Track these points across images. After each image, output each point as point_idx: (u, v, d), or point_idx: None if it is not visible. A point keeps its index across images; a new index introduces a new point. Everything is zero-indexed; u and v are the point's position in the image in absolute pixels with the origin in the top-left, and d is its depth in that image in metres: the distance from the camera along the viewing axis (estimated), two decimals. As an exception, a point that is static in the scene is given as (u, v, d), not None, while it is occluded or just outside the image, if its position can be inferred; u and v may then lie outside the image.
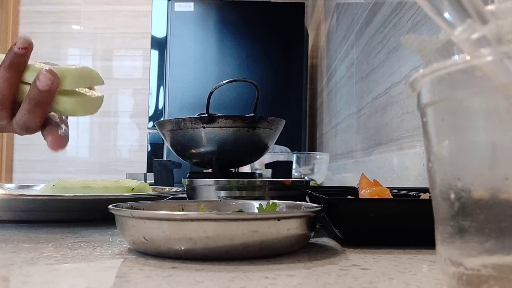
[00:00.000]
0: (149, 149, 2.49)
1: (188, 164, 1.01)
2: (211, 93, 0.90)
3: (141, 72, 3.16)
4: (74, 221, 0.61)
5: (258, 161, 1.07)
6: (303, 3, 2.45)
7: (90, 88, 0.59)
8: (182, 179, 0.68)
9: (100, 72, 0.61)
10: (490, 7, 0.22)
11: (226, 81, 0.92)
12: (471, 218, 0.22)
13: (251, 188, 0.59)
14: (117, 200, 0.53)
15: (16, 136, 3.25)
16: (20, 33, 3.25)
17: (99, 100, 0.58)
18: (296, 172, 1.59)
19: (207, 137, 0.90)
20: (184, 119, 0.90)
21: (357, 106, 1.50)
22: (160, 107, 2.38)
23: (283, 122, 0.97)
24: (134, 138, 3.25)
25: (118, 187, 0.71)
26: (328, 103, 2.15)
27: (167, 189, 0.80)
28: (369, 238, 0.43)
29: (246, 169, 1.40)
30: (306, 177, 1.59)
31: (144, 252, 0.38)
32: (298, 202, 0.47)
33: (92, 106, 0.56)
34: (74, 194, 0.64)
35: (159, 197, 0.68)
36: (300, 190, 0.61)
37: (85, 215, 0.62)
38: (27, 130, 0.56)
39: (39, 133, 0.58)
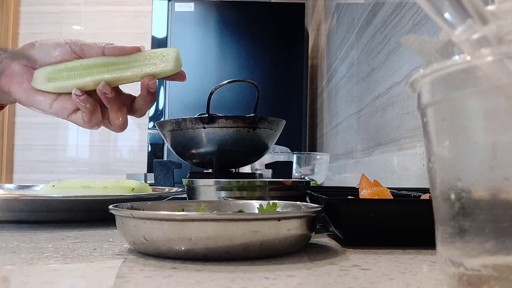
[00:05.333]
0: (149, 149, 2.49)
1: (188, 164, 1.01)
2: (211, 93, 0.90)
3: (142, 72, 3.15)
4: (74, 221, 0.61)
5: (258, 161, 1.07)
6: (303, 4, 2.45)
7: None
8: (183, 179, 0.68)
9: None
10: (490, 8, 0.22)
11: (226, 81, 0.92)
12: (472, 219, 0.22)
13: (251, 189, 0.59)
14: (117, 201, 0.53)
15: (17, 136, 3.25)
16: (20, 34, 3.26)
17: (175, 53, 0.62)
18: (296, 173, 1.59)
19: (208, 137, 0.90)
20: (184, 120, 0.90)
21: (358, 107, 1.50)
22: (160, 107, 2.38)
23: (284, 122, 0.97)
24: (134, 138, 3.25)
25: (118, 187, 0.71)
26: (328, 104, 2.15)
27: (167, 189, 0.80)
28: (369, 238, 0.43)
29: (246, 169, 1.40)
30: (306, 178, 1.59)
31: (144, 252, 0.38)
32: (298, 203, 0.47)
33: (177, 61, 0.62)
34: (74, 194, 0.64)
35: (159, 198, 0.68)
36: (300, 190, 0.61)
37: (86, 215, 0.62)
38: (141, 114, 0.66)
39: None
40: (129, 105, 0.64)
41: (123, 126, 0.64)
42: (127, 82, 0.62)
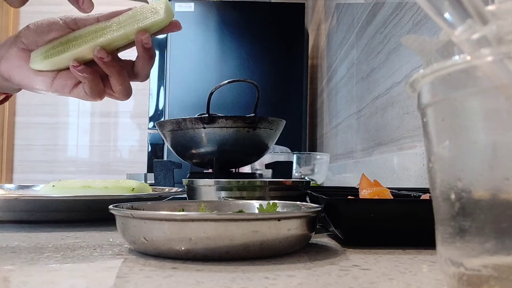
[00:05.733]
0: (150, 149, 2.49)
1: (188, 164, 1.01)
2: (211, 94, 0.90)
3: (142, 72, 3.15)
4: (74, 221, 0.61)
5: (258, 161, 1.08)
6: (303, 4, 2.45)
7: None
8: (183, 179, 0.68)
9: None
10: (490, 8, 0.22)
11: (226, 81, 0.92)
12: (472, 219, 0.22)
13: (251, 189, 0.59)
14: (118, 201, 0.53)
15: (17, 136, 3.25)
16: (20, 34, 3.25)
17: (164, 3, 0.60)
18: (296, 173, 1.59)
19: (208, 137, 0.90)
20: (184, 120, 0.90)
21: (358, 107, 1.50)
22: (160, 107, 2.38)
23: (284, 122, 0.97)
24: (135, 138, 3.25)
25: (118, 187, 0.71)
26: (328, 104, 2.15)
27: (167, 189, 0.80)
28: (369, 238, 0.43)
29: (246, 169, 1.40)
30: (306, 178, 1.59)
31: (144, 252, 0.38)
32: (298, 203, 0.47)
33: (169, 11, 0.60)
34: (74, 194, 0.64)
35: (159, 198, 0.68)
36: (300, 190, 0.61)
37: (86, 215, 0.62)
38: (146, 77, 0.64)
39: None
40: (130, 70, 0.63)
41: (126, 93, 0.62)
42: (122, 42, 0.60)
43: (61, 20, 0.62)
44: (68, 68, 0.60)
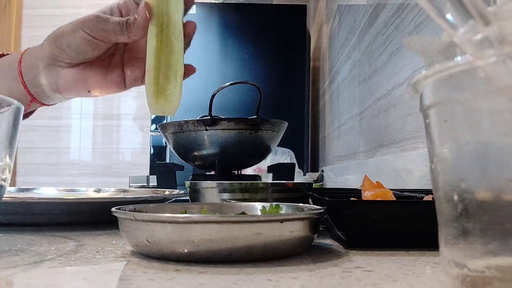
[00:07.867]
0: (152, 151, 2.49)
1: (190, 166, 1.01)
2: (213, 96, 0.90)
3: (144, 75, 3.15)
4: (77, 224, 0.61)
5: (259, 164, 1.07)
6: (305, 5, 2.45)
7: None
8: (185, 181, 0.68)
9: (103, 75, 0.62)
10: (492, 8, 0.22)
11: (228, 83, 0.92)
12: (475, 220, 0.22)
13: (254, 190, 0.59)
14: (120, 203, 0.53)
15: (20, 139, 3.25)
16: (22, 37, 3.27)
17: None
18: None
19: (210, 139, 0.90)
20: (186, 122, 0.90)
21: (360, 108, 1.50)
22: (162, 109, 2.38)
23: (286, 124, 0.97)
24: (137, 140, 3.25)
25: None
26: (330, 105, 2.15)
27: (169, 191, 0.80)
28: (372, 240, 0.43)
29: (249, 171, 1.40)
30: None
31: (147, 254, 0.38)
32: (301, 204, 0.47)
33: None
34: (77, 197, 0.64)
35: (162, 200, 0.68)
36: (303, 192, 0.61)
37: (89, 218, 0.62)
38: None
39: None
40: None
41: None
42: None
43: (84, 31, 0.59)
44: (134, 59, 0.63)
